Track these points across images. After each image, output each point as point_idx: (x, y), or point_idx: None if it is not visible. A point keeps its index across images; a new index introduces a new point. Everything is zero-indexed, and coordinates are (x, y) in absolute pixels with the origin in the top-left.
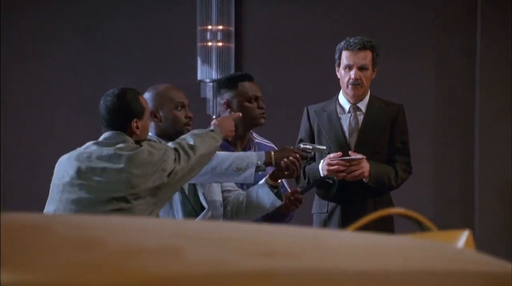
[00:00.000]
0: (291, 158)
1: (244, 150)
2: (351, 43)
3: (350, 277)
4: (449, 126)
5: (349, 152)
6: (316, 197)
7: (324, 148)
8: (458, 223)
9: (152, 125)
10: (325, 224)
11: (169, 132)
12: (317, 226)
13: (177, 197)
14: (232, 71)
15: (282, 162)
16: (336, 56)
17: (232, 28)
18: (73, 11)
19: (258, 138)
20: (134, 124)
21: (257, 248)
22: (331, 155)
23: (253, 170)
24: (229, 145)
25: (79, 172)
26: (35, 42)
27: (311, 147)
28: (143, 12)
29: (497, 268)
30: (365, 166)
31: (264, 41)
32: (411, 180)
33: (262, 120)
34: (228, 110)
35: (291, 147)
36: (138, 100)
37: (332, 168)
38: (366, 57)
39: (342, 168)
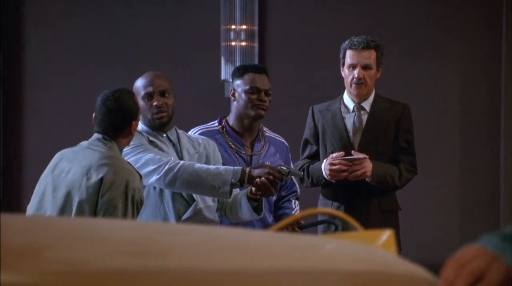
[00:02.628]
0: (263, 178)
1: (253, 142)
2: (355, 43)
3: (219, 276)
4: (474, 130)
5: (352, 152)
6: (321, 196)
7: (301, 174)
8: (484, 226)
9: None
10: (329, 224)
11: (147, 121)
12: (320, 226)
13: (167, 191)
14: None
15: (255, 181)
16: (341, 56)
17: (256, 28)
18: (99, 11)
19: (269, 133)
20: (133, 125)
21: (127, 248)
22: (334, 155)
23: (228, 187)
24: (238, 136)
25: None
26: (60, 41)
27: (287, 170)
28: (168, 13)
29: (387, 268)
30: (368, 166)
31: (287, 40)
32: (437, 184)
33: (259, 112)
34: (232, 98)
35: (269, 166)
36: (134, 101)
37: (334, 167)
38: (370, 56)
39: (344, 167)
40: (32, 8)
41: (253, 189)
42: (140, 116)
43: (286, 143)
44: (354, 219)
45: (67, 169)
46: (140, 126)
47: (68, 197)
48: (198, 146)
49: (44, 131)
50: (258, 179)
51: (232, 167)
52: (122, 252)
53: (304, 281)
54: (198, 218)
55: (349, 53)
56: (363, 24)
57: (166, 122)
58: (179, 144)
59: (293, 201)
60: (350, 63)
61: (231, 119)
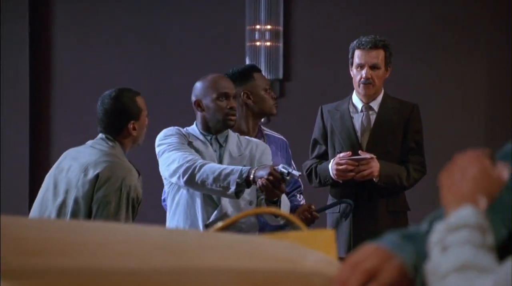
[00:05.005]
0: (264, 179)
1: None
2: (363, 42)
3: (118, 275)
4: (501, 129)
5: (359, 151)
6: (330, 196)
7: (299, 174)
8: None
9: (198, 116)
10: (337, 223)
11: (212, 122)
12: (329, 225)
13: (198, 192)
14: (281, 70)
15: (258, 181)
16: (349, 55)
17: (281, 28)
18: (126, 11)
19: (267, 131)
20: (131, 126)
21: (24, 247)
22: (341, 155)
23: (233, 188)
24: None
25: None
26: (88, 40)
27: (286, 171)
28: (193, 13)
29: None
30: (375, 166)
31: (312, 40)
32: None
33: (275, 110)
34: (249, 101)
35: (272, 167)
36: (135, 101)
37: (340, 167)
38: (378, 56)
39: (350, 167)
40: (60, 7)
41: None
42: (200, 115)
43: (285, 140)
44: (363, 220)
45: (68, 167)
46: (191, 127)
47: (66, 193)
48: (245, 149)
49: (73, 129)
50: (259, 180)
51: (241, 167)
52: (17, 251)
53: (198, 279)
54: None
55: (357, 53)
56: (387, 24)
57: (232, 126)
58: (225, 146)
59: (298, 195)
60: (358, 63)
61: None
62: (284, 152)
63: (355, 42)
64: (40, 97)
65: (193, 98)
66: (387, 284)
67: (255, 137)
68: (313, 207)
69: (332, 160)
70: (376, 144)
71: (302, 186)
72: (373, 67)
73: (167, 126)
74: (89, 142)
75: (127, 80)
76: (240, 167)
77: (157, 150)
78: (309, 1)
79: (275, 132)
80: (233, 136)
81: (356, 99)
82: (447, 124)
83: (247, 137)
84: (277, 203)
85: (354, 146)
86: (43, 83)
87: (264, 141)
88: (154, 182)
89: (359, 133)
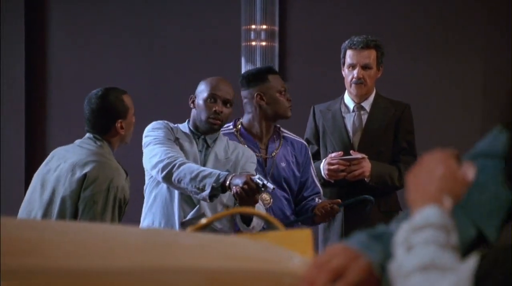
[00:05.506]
0: (238, 188)
1: (268, 142)
2: (355, 42)
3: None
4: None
5: (351, 151)
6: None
7: (273, 188)
8: None
9: (191, 113)
10: (329, 223)
11: (198, 121)
12: (322, 225)
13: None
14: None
15: (233, 188)
16: (341, 55)
17: (276, 28)
18: (122, 11)
19: (286, 133)
20: (119, 124)
21: (21, 247)
22: (332, 154)
23: (207, 192)
24: (253, 138)
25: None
26: (84, 39)
27: (261, 183)
28: (188, 13)
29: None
30: (366, 166)
31: (308, 40)
32: None
33: (290, 113)
34: (262, 102)
35: (249, 176)
36: (121, 100)
37: (332, 167)
38: (369, 56)
39: (342, 167)
40: (56, 6)
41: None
42: (192, 112)
43: (305, 143)
44: (354, 219)
45: (55, 166)
46: (182, 124)
47: (53, 193)
48: (231, 153)
49: (69, 129)
50: (234, 187)
51: (219, 172)
52: None
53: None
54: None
55: (349, 53)
56: (383, 23)
57: (215, 130)
58: (213, 147)
59: (316, 199)
60: (350, 63)
61: (245, 121)
62: (303, 155)
63: (347, 42)
64: (36, 97)
65: (192, 95)
66: (353, 283)
67: (271, 139)
68: (339, 201)
69: (323, 160)
70: (368, 144)
71: (322, 192)
72: (364, 67)
73: None
74: (77, 141)
75: (122, 80)
76: (218, 171)
77: (143, 141)
78: (304, 1)
79: (295, 135)
80: (222, 139)
81: (348, 99)
82: (445, 124)
83: (235, 143)
84: None
85: (346, 146)
86: (39, 83)
87: (280, 144)
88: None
89: (351, 134)
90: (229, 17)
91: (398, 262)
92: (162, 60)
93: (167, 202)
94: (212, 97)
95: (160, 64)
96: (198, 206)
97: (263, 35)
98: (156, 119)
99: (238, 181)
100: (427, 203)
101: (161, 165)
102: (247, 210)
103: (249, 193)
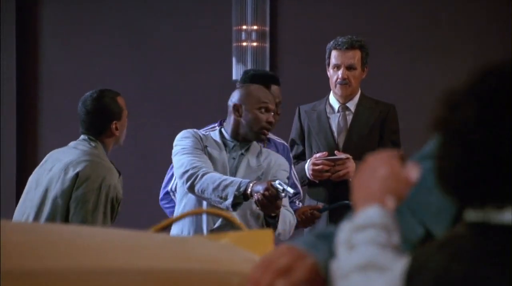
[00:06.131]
0: (259, 194)
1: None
2: (339, 43)
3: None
4: None
5: (335, 152)
6: (307, 196)
7: (292, 191)
8: None
9: (230, 120)
10: (314, 225)
11: (244, 130)
12: None
13: None
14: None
15: (254, 195)
16: (326, 56)
17: (267, 28)
18: (113, 11)
19: (270, 135)
20: (114, 126)
21: (20, 250)
22: (317, 155)
23: (230, 200)
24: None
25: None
26: (78, 43)
27: (281, 188)
28: (179, 13)
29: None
30: (351, 166)
31: (299, 41)
32: None
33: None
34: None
35: (270, 182)
36: (116, 101)
37: (316, 167)
38: (354, 56)
39: (326, 167)
40: (48, 6)
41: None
42: (234, 120)
43: (287, 145)
44: (339, 220)
45: (50, 168)
46: (213, 132)
47: (46, 193)
48: (264, 160)
49: (60, 129)
50: (256, 194)
51: (241, 180)
52: None
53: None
54: (229, 229)
55: (333, 53)
56: (375, 23)
57: (263, 140)
58: (246, 154)
59: (297, 202)
60: (335, 64)
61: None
62: (285, 157)
63: (331, 42)
64: (28, 97)
65: (233, 102)
66: (298, 282)
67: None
68: (320, 206)
69: (308, 160)
70: (353, 144)
71: (302, 193)
72: (349, 67)
73: (155, 125)
74: (72, 143)
75: (114, 81)
76: (240, 179)
77: (173, 150)
78: (295, 2)
79: (277, 137)
80: (255, 146)
81: (333, 100)
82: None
83: (268, 150)
84: (275, 218)
85: (330, 146)
86: (30, 84)
87: (265, 145)
88: (139, 181)
89: (335, 134)
90: (220, 18)
91: (339, 262)
92: (153, 60)
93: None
94: (264, 107)
95: (151, 65)
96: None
97: (254, 36)
98: (147, 119)
99: (259, 188)
100: (370, 203)
101: (186, 176)
102: (195, 211)
103: (270, 199)
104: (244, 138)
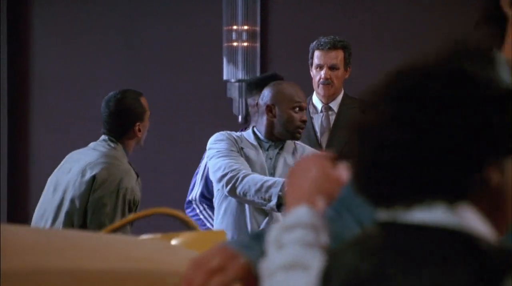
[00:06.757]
0: None
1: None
2: (322, 43)
3: None
4: None
5: (318, 152)
6: None
7: None
8: None
9: (263, 120)
10: None
11: (279, 130)
12: None
13: None
14: (258, 71)
15: None
16: (309, 56)
17: (258, 28)
18: (105, 12)
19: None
20: (137, 127)
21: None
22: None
23: (274, 201)
24: None
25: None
26: (69, 42)
27: None
28: (169, 13)
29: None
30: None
31: (290, 41)
32: None
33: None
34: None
35: None
36: (139, 102)
37: None
38: (337, 56)
39: None
40: (39, 8)
41: None
42: (267, 121)
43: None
44: None
45: (68, 169)
46: (246, 132)
47: (64, 194)
48: (300, 156)
49: (52, 132)
50: None
51: (283, 179)
52: None
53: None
54: None
55: (316, 53)
56: (365, 24)
57: (298, 139)
58: (281, 153)
59: None
60: (317, 64)
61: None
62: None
63: (314, 43)
64: (19, 97)
65: (265, 102)
66: (230, 281)
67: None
68: None
69: None
70: (335, 144)
71: None
72: (332, 67)
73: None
74: (92, 144)
75: (105, 80)
76: (282, 179)
77: (207, 153)
78: (286, 2)
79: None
80: (289, 143)
81: (316, 100)
82: None
83: (303, 145)
84: None
85: (313, 146)
86: (21, 84)
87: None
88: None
89: (318, 134)
90: (210, 18)
91: (267, 261)
92: (144, 60)
93: (238, 214)
94: (298, 107)
95: (142, 65)
96: (270, 214)
97: (244, 36)
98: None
99: None
100: (300, 203)
101: (225, 179)
102: (160, 210)
103: None
104: (278, 138)
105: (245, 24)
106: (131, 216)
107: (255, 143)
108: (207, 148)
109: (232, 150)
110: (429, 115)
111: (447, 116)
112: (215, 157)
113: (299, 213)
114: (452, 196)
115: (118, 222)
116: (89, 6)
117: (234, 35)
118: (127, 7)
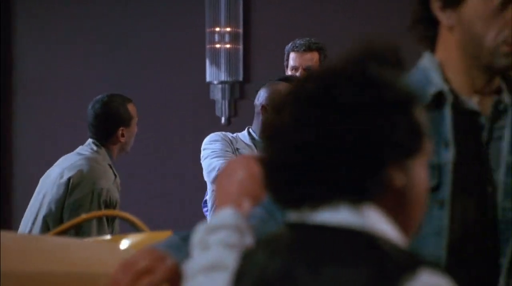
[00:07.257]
0: None
1: None
2: (297, 45)
3: None
4: None
5: None
6: None
7: None
8: None
9: (258, 120)
10: None
11: None
12: None
13: None
14: (240, 73)
15: None
16: (285, 58)
17: (240, 30)
18: (87, 14)
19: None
20: (120, 132)
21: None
22: None
23: None
24: None
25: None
26: (48, 43)
27: None
28: (152, 14)
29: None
30: None
31: (272, 43)
32: None
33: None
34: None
35: None
36: (125, 107)
37: None
38: (312, 58)
39: None
40: (22, 9)
41: None
42: (261, 120)
43: None
44: None
45: (51, 173)
46: (241, 133)
47: (43, 199)
48: None
49: (36, 136)
50: None
51: None
52: None
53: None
54: None
55: (291, 55)
56: (349, 25)
57: None
58: None
59: None
60: (292, 66)
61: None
62: None
63: (289, 45)
64: (2, 101)
65: (261, 102)
66: (158, 283)
67: None
68: None
69: None
70: None
71: None
72: (307, 69)
73: None
74: (78, 148)
75: (88, 82)
76: None
77: (201, 153)
78: (268, 4)
79: None
80: None
81: None
82: None
83: None
84: None
85: None
86: (5, 87)
87: None
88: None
89: None
90: (193, 20)
91: (190, 262)
92: (126, 62)
93: None
94: None
95: (125, 67)
96: None
97: (227, 38)
98: None
99: None
100: (226, 204)
101: None
102: (108, 212)
103: None
104: None
105: (227, 26)
106: (77, 219)
107: (250, 143)
108: (202, 148)
109: (227, 151)
110: (332, 117)
111: (350, 119)
112: (210, 157)
113: (224, 214)
114: (355, 196)
115: (68, 224)
116: (72, 9)
117: (216, 37)
118: (110, 9)
